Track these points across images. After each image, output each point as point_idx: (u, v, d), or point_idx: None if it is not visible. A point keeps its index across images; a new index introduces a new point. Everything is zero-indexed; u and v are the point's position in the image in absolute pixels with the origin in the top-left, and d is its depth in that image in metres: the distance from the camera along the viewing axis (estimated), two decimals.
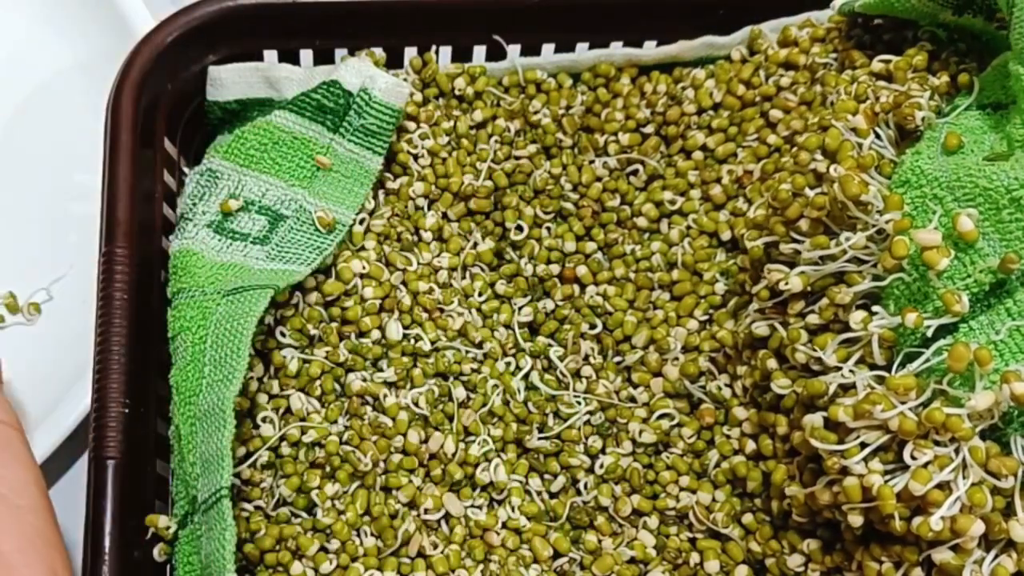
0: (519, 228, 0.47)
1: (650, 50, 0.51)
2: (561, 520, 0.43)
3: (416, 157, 0.48)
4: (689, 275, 0.47)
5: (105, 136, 0.45)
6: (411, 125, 0.48)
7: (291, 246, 0.45)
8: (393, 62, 0.50)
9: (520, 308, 0.46)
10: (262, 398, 0.43)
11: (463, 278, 0.47)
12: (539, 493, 0.44)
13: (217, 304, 0.42)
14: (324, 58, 0.50)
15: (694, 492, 0.43)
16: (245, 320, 0.40)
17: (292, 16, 0.48)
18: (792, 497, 0.39)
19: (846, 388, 0.37)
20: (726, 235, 0.47)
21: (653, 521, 0.43)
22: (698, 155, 0.49)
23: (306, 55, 0.50)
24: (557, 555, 0.43)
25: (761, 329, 0.41)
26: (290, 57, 0.49)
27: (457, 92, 0.50)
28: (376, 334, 0.45)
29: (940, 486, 0.34)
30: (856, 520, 0.36)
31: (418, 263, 0.46)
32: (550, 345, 0.46)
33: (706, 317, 0.46)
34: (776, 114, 0.48)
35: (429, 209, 0.48)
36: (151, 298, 0.44)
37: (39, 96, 0.57)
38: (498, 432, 0.44)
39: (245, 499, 0.42)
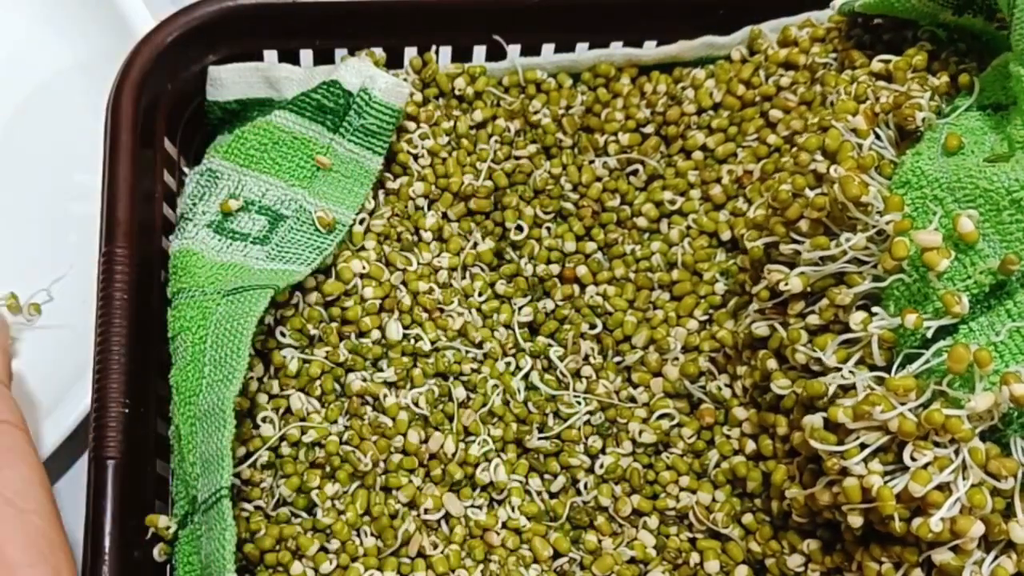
0: (519, 228, 0.47)
1: (650, 50, 0.51)
2: (561, 520, 0.43)
3: (416, 157, 0.48)
4: (689, 275, 0.47)
5: (105, 136, 0.45)
6: (411, 125, 0.48)
7: (291, 246, 0.45)
8: (393, 62, 0.50)
9: (520, 308, 0.46)
10: (262, 398, 0.43)
11: (463, 278, 0.47)
12: (539, 493, 0.44)
13: (217, 304, 0.42)
14: (324, 58, 0.50)
15: (694, 492, 0.43)
16: (245, 320, 0.40)
17: (292, 16, 0.48)
18: (792, 498, 0.39)
19: (846, 389, 0.37)
20: (726, 235, 0.47)
21: (653, 521, 0.43)
22: (698, 155, 0.49)
23: (306, 55, 0.50)
24: (557, 555, 0.43)
25: (761, 329, 0.41)
26: (290, 57, 0.49)
27: (457, 92, 0.50)
28: (376, 334, 0.45)
29: (940, 487, 0.34)
30: (856, 520, 0.36)
31: (418, 263, 0.46)
32: (550, 345, 0.46)
33: (706, 317, 0.46)
34: (776, 114, 0.48)
35: (429, 209, 0.48)
36: (151, 298, 0.44)
37: (39, 96, 0.57)
38: (498, 432, 0.44)
39: (245, 499, 0.42)
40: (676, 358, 0.45)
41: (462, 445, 0.43)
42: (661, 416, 0.44)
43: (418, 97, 0.49)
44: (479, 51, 0.51)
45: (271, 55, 0.49)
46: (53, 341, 0.51)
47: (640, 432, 0.44)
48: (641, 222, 0.48)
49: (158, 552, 0.41)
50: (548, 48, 0.51)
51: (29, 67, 0.57)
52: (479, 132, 0.49)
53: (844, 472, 0.36)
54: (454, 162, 0.48)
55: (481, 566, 0.42)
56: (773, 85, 0.49)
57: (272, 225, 0.46)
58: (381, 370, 0.44)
